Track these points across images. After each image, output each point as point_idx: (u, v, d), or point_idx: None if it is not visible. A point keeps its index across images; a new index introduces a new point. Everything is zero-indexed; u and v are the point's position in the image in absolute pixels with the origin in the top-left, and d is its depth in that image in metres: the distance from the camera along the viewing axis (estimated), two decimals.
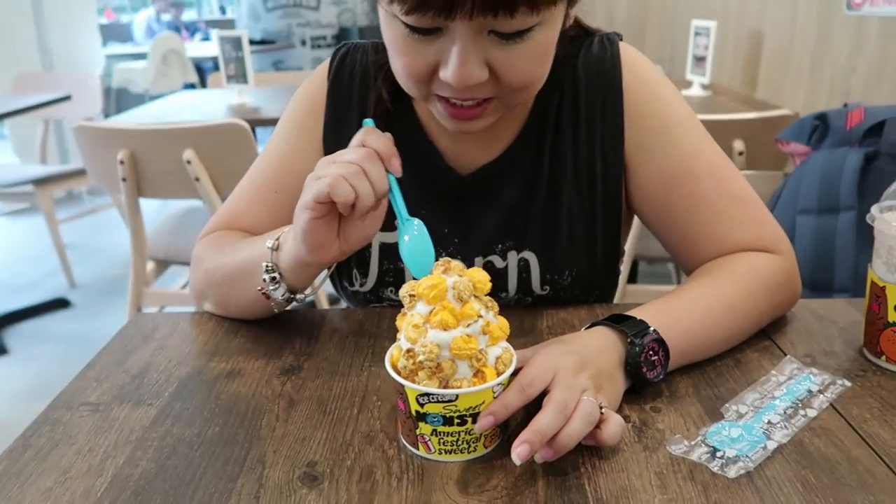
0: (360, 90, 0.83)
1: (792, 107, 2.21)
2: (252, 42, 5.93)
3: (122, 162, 1.93)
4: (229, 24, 7.03)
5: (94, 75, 3.57)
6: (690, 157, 0.77)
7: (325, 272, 0.76)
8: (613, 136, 0.79)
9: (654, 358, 0.63)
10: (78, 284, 3.21)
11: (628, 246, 2.03)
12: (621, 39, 0.81)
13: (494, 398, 0.55)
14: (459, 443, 0.55)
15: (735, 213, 0.77)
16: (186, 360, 0.73)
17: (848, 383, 0.65)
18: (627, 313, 0.67)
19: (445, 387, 0.54)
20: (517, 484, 0.53)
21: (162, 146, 1.93)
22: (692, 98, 2.57)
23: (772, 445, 0.56)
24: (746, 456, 0.55)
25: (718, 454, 0.55)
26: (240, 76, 2.54)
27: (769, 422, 0.59)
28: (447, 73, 0.64)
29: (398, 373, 0.55)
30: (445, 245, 0.82)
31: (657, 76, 0.80)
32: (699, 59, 2.64)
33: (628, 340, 0.62)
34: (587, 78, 0.79)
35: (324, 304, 2.18)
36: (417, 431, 0.56)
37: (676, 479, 0.53)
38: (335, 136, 0.82)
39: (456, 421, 0.54)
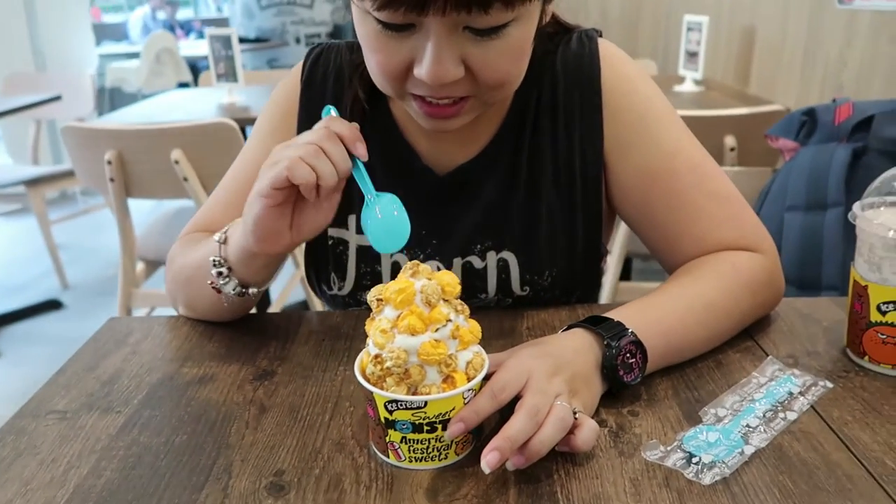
0: (334, 91, 0.81)
1: (784, 102, 2.20)
2: (246, 40, 5.94)
3: (109, 162, 1.91)
4: (225, 22, 7.01)
5: (86, 75, 3.55)
6: (670, 154, 0.76)
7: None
8: (592, 133, 0.77)
9: (631, 360, 0.62)
10: (71, 285, 3.20)
11: (619, 243, 2.03)
12: (600, 36, 0.80)
13: (465, 404, 0.54)
14: (430, 450, 0.54)
15: (716, 210, 0.76)
16: (158, 365, 0.71)
17: (830, 385, 0.64)
18: (605, 315, 0.65)
19: (414, 393, 0.53)
20: (488, 492, 0.52)
21: (149, 146, 1.92)
22: (684, 93, 2.56)
23: (749, 450, 0.55)
24: (723, 461, 0.53)
25: (694, 460, 0.54)
26: (230, 75, 2.52)
27: (748, 425, 0.58)
28: (421, 71, 0.63)
29: (367, 379, 0.54)
30: (423, 246, 0.80)
31: (636, 72, 0.79)
32: (692, 55, 2.62)
33: (605, 343, 0.61)
34: (565, 74, 0.78)
35: (317, 306, 2.16)
36: (387, 439, 0.54)
37: (651, 485, 0.52)
38: None
39: (426, 428, 0.53)
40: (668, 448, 0.55)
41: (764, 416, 0.59)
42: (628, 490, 0.51)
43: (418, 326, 0.52)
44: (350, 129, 0.65)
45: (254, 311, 0.83)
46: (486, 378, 0.56)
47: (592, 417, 0.59)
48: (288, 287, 2.46)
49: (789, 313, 0.78)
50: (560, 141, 0.78)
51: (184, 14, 8.40)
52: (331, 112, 0.68)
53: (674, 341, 0.66)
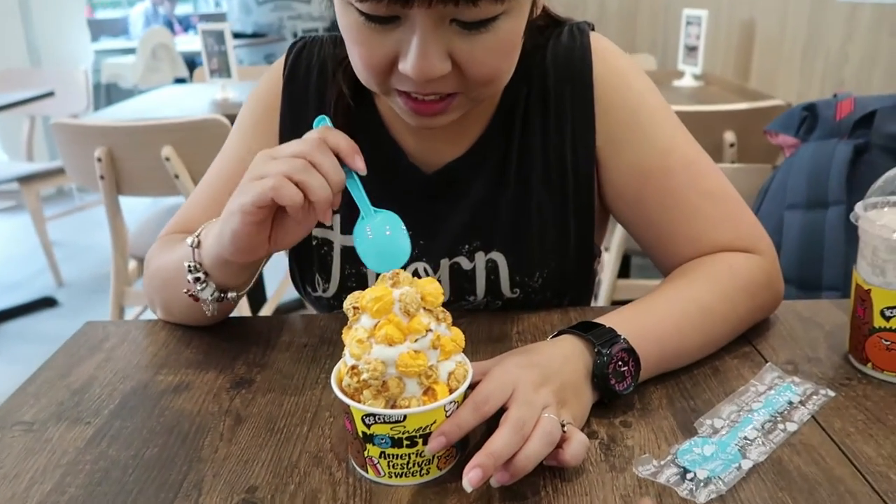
0: (317, 85, 0.78)
1: (785, 97, 2.17)
2: (243, 35, 5.89)
3: (99, 159, 1.88)
4: (222, 18, 6.96)
5: (80, 71, 3.51)
6: (664, 152, 0.73)
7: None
8: (584, 130, 0.74)
9: (623, 369, 0.59)
10: (66, 283, 3.17)
11: (617, 240, 2.00)
12: (593, 29, 0.77)
13: (447, 417, 0.51)
14: (410, 465, 0.51)
15: (711, 210, 0.73)
16: (133, 372, 0.69)
17: (832, 393, 0.61)
18: (597, 320, 0.63)
19: (393, 406, 0.50)
20: None
21: (140, 143, 1.89)
22: (683, 88, 2.52)
23: (747, 465, 0.52)
24: (719, 477, 0.51)
25: (689, 476, 0.51)
26: (223, 70, 2.49)
27: (745, 438, 0.55)
28: (406, 66, 0.60)
29: (343, 391, 0.51)
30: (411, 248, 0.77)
31: (629, 66, 0.76)
32: (691, 49, 2.59)
33: (595, 350, 0.58)
34: (556, 69, 0.75)
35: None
36: (365, 453, 0.52)
37: None
38: (292, 135, 0.77)
39: (405, 442, 0.50)
40: (662, 462, 0.53)
41: (763, 427, 0.56)
42: None
43: (396, 336, 0.49)
44: (347, 141, 0.60)
45: (247, 311, 0.80)
46: (473, 387, 0.53)
47: (582, 429, 0.56)
48: (283, 285, 2.43)
49: (789, 317, 0.75)
50: (551, 138, 0.75)
51: (183, 9, 8.35)
52: (324, 122, 0.64)
53: (668, 348, 0.63)
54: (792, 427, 0.57)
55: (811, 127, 1.22)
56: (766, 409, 0.59)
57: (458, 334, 0.53)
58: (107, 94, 5.70)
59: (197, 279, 0.66)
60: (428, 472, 0.52)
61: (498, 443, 0.48)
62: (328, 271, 0.80)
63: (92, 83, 3.59)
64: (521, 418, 0.50)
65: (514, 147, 0.76)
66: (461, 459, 0.54)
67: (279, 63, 0.81)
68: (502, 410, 0.52)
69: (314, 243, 0.80)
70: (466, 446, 0.55)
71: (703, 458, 0.53)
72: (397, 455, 0.51)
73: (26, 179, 2.98)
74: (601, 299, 1.99)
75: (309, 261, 0.81)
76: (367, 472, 0.53)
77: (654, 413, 0.60)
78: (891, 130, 1.14)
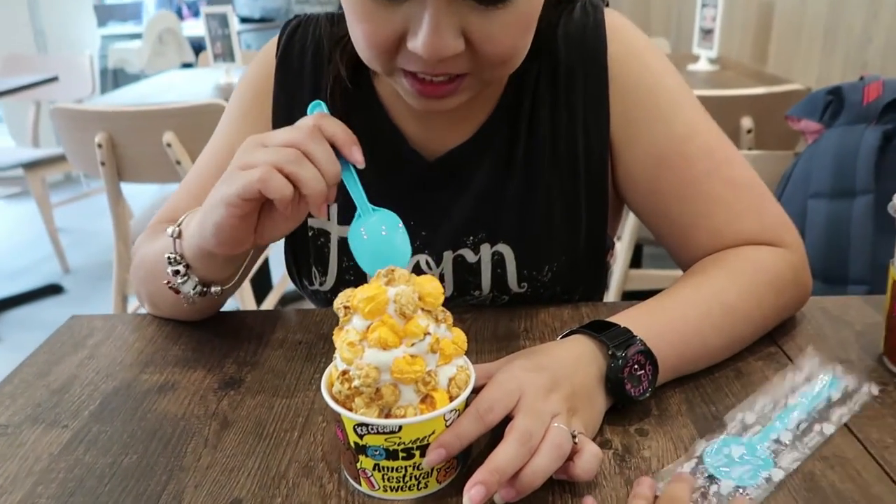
0: (312, 67, 0.73)
1: (804, 81, 2.10)
2: (251, 20, 5.83)
3: (99, 145, 1.85)
4: (228, 1, 6.90)
5: (85, 56, 3.48)
6: (683, 137, 0.68)
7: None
8: (597, 113, 0.69)
9: (639, 373, 0.54)
10: (72, 270, 3.16)
11: (630, 229, 1.94)
12: (607, 5, 0.72)
13: (447, 427, 0.47)
14: (407, 479, 0.47)
15: (734, 200, 0.68)
16: (116, 371, 0.65)
17: (875, 391, 0.56)
18: (611, 319, 0.58)
19: (387, 415, 0.46)
20: None
21: (140, 128, 1.85)
22: (699, 73, 2.45)
23: (778, 475, 0.48)
24: (746, 492, 0.46)
25: (713, 489, 0.47)
26: (227, 54, 2.44)
27: (778, 440, 0.50)
28: (416, 44, 0.55)
29: (334, 398, 0.47)
30: (412, 239, 0.71)
31: (646, 45, 0.70)
32: (706, 32, 2.51)
33: (609, 352, 0.54)
34: (568, 47, 0.70)
35: None
36: (358, 465, 0.47)
37: None
38: (285, 120, 0.73)
39: (401, 454, 0.46)
40: (687, 464, 0.48)
41: (797, 427, 0.52)
42: None
43: (391, 340, 0.45)
44: (344, 131, 0.55)
45: (251, 299, 0.75)
46: (476, 391, 0.49)
47: (595, 438, 0.52)
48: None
49: (816, 314, 0.70)
50: (561, 122, 0.70)
51: None
52: (319, 108, 0.59)
53: (688, 350, 0.58)
54: (829, 429, 0.52)
55: (836, 112, 1.16)
56: (802, 405, 0.54)
57: (459, 336, 0.49)
58: (114, 79, 5.66)
59: (177, 272, 0.62)
60: (426, 486, 0.48)
61: (502, 456, 0.44)
62: (325, 264, 0.75)
63: (99, 68, 3.56)
64: (527, 429, 0.46)
65: (521, 132, 0.71)
66: (462, 471, 0.49)
67: (271, 44, 0.76)
68: (508, 419, 0.48)
69: (310, 234, 0.75)
70: (468, 457, 0.51)
71: (730, 461, 0.48)
72: (392, 468, 0.46)
73: (31, 166, 2.95)
74: (612, 290, 1.94)
75: (305, 252, 0.77)
76: (360, 484, 0.48)
77: (672, 420, 0.55)
78: None
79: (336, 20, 0.74)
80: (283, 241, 0.77)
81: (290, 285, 2.46)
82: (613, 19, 0.70)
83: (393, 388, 0.45)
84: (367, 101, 0.73)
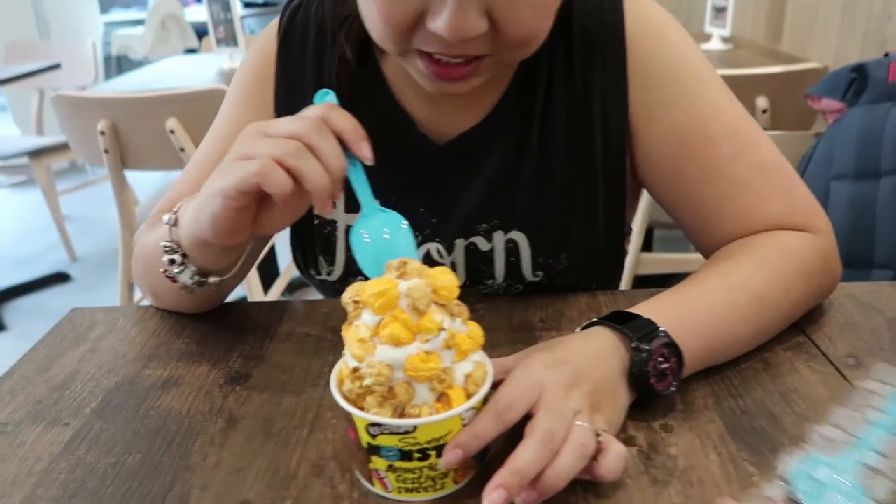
0: (315, 48, 0.70)
1: (820, 60, 2.04)
2: (254, 4, 5.77)
3: (102, 133, 1.82)
4: None
5: (88, 43, 3.44)
6: (707, 118, 0.65)
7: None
8: (615, 92, 0.66)
9: (664, 366, 0.52)
10: (79, 258, 3.15)
11: (641, 211, 1.91)
12: None
13: (464, 426, 0.44)
14: (422, 480, 0.45)
15: (760, 183, 0.65)
16: (119, 366, 0.63)
17: None
18: (632, 309, 0.55)
19: (401, 415, 0.43)
20: None
21: (143, 115, 1.82)
22: (711, 53, 2.40)
23: None
24: None
25: None
26: (230, 39, 2.40)
27: (868, 465, 0.44)
28: (439, 24, 0.52)
29: (345, 397, 0.45)
30: (422, 227, 0.70)
31: (667, 20, 0.67)
32: (719, 10, 2.45)
33: (632, 346, 0.51)
34: (583, 24, 0.66)
35: None
36: (371, 466, 0.45)
37: None
38: (287, 105, 0.70)
39: (416, 455, 0.44)
40: (771, 488, 0.43)
41: (886, 447, 0.46)
42: None
43: (403, 336, 0.42)
44: (353, 125, 0.52)
45: (259, 287, 0.72)
46: (495, 386, 0.46)
47: (618, 435, 0.49)
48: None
49: (845, 302, 0.67)
50: (577, 101, 0.67)
51: None
52: (327, 97, 0.56)
53: (714, 342, 0.56)
54: None
55: (860, 90, 1.12)
56: (887, 424, 0.48)
57: (475, 330, 0.46)
58: (118, 65, 5.62)
59: (173, 261, 0.59)
60: (442, 487, 0.46)
61: (524, 458, 0.42)
62: (332, 253, 0.73)
63: (102, 55, 3.52)
64: (549, 428, 0.43)
65: (535, 114, 0.68)
66: (480, 471, 0.47)
67: (272, 26, 0.73)
68: (528, 416, 0.45)
69: (316, 223, 0.73)
70: (486, 456, 0.48)
71: (820, 487, 0.43)
72: (407, 469, 0.44)
73: (36, 154, 2.94)
74: (623, 275, 1.91)
75: (311, 241, 0.74)
76: (373, 485, 0.46)
77: (698, 415, 0.53)
78: None
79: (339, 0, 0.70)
80: (288, 228, 0.75)
81: (297, 272, 2.44)
82: None
83: (407, 386, 0.43)
84: (373, 82, 0.70)
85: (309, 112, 0.52)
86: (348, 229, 0.71)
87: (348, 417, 0.45)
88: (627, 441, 0.50)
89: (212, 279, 0.62)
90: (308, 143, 0.50)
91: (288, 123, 0.51)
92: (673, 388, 0.52)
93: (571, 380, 0.47)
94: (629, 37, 0.66)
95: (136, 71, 2.58)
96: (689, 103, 0.65)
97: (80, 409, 0.57)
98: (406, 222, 0.53)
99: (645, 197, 1.76)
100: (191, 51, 5.36)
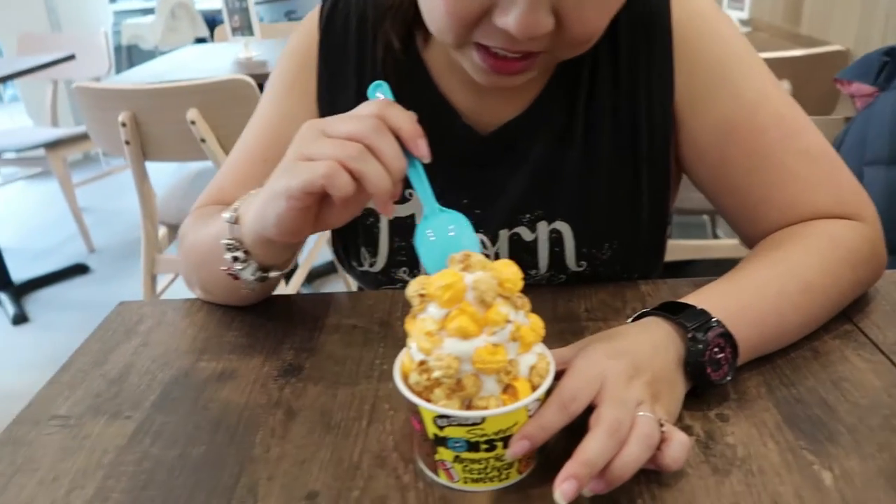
0: (357, 38, 0.71)
1: (842, 42, 2.02)
2: None
3: (123, 124, 1.83)
4: None
5: (100, 33, 3.44)
6: (754, 105, 0.65)
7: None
8: (661, 82, 0.66)
9: (719, 356, 0.52)
10: (97, 249, 3.17)
11: None
12: None
13: (530, 417, 0.45)
14: (488, 470, 0.46)
15: (807, 172, 0.65)
16: (172, 359, 0.64)
17: None
18: (683, 300, 0.56)
19: (469, 407, 0.44)
20: None
21: (164, 106, 1.82)
22: None
23: None
24: None
25: None
26: (245, 28, 2.40)
27: None
28: (508, 20, 0.52)
29: (410, 389, 0.45)
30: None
31: (712, 7, 0.67)
32: None
33: (689, 336, 0.52)
34: (628, 13, 0.66)
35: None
36: (437, 457, 0.46)
37: None
38: (330, 94, 0.71)
39: (483, 446, 0.44)
40: None
41: None
42: None
43: (471, 329, 0.43)
44: (411, 122, 0.52)
45: (281, 285, 0.73)
46: (557, 377, 0.47)
47: (675, 424, 0.50)
48: (313, 250, 2.38)
49: (891, 289, 0.68)
50: (622, 92, 0.67)
51: None
52: (380, 92, 0.56)
53: (766, 331, 0.56)
54: None
55: (892, 74, 1.11)
56: None
57: (536, 322, 0.47)
58: (128, 55, 5.62)
59: (236, 258, 0.60)
60: (507, 477, 0.46)
61: (593, 449, 0.42)
62: (375, 244, 0.73)
63: (113, 45, 3.52)
64: (615, 419, 0.44)
65: (579, 103, 0.68)
66: (541, 462, 0.48)
67: (313, 14, 0.73)
68: (589, 408, 0.46)
69: (359, 213, 0.73)
70: (546, 447, 0.49)
71: None
72: (474, 459, 0.45)
73: (52, 146, 2.95)
74: None
75: (353, 233, 0.75)
76: (438, 475, 0.47)
77: (753, 403, 0.53)
78: None
79: None
80: None
81: (316, 260, 2.45)
82: None
83: (475, 378, 0.43)
84: (416, 72, 0.70)
85: (365, 109, 0.52)
86: (392, 221, 0.72)
87: (414, 409, 0.45)
88: (685, 430, 0.50)
89: (272, 273, 0.63)
90: (369, 144, 0.50)
91: (347, 123, 0.51)
92: (728, 378, 0.53)
93: (632, 370, 0.48)
94: (675, 25, 0.65)
95: (150, 62, 2.58)
96: (735, 91, 0.65)
97: (140, 402, 0.58)
98: (469, 222, 0.54)
99: None
100: (200, 40, 5.35)
